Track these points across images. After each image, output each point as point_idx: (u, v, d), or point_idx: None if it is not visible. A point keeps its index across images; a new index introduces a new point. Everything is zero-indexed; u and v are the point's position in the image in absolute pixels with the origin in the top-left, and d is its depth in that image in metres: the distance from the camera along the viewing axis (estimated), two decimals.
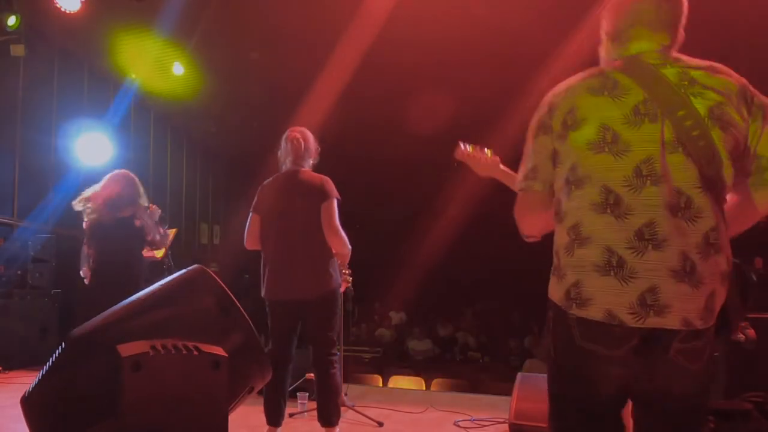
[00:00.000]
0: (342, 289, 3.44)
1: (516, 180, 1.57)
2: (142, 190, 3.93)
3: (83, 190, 3.87)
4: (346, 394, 4.26)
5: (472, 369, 8.84)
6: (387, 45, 5.77)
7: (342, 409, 3.25)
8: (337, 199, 3.11)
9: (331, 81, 6.44)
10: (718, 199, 1.36)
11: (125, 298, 2.24)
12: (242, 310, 2.23)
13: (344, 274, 3.30)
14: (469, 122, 6.87)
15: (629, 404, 1.49)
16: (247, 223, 3.21)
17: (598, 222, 1.37)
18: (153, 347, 1.82)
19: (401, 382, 6.72)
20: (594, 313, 1.35)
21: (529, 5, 5.24)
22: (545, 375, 1.55)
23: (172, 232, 4.21)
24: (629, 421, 1.50)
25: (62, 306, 6.02)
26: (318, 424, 3.16)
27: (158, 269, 4.78)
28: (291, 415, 3.86)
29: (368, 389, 5.25)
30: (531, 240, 1.66)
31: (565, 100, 1.46)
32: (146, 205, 3.95)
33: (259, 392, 3.93)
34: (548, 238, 1.70)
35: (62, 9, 5.10)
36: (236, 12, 5.86)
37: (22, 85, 6.17)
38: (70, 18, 5.28)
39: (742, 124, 1.36)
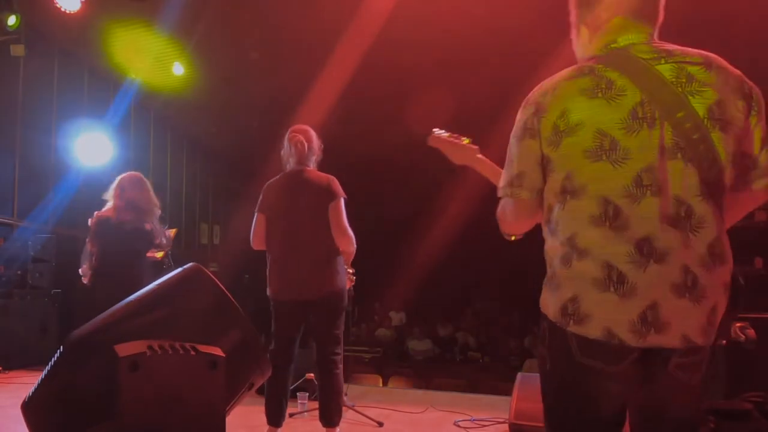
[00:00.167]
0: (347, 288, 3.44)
1: (499, 181, 1.49)
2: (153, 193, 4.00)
3: (84, 191, 3.89)
4: (346, 394, 4.26)
5: (472, 369, 8.86)
6: (387, 45, 5.77)
7: (342, 409, 3.25)
8: (344, 199, 3.12)
9: (331, 81, 6.44)
10: (719, 205, 1.30)
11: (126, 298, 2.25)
12: (239, 307, 2.23)
13: (348, 273, 3.31)
14: (469, 122, 6.86)
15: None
16: (253, 224, 3.18)
17: (595, 235, 1.29)
18: (150, 347, 1.82)
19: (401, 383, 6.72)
20: (592, 330, 1.28)
21: (528, 5, 5.24)
22: None
23: (172, 232, 4.22)
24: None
25: (62, 306, 6.02)
26: (318, 424, 3.16)
27: (158, 269, 4.78)
28: (291, 415, 3.86)
29: (368, 389, 5.26)
30: (512, 239, 1.63)
31: (554, 102, 1.35)
32: (159, 209, 3.99)
33: (259, 392, 3.94)
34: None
35: (62, 9, 5.10)
36: (236, 12, 5.85)
37: (22, 85, 6.17)
38: (70, 18, 5.28)
39: (741, 120, 1.30)
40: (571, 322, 1.31)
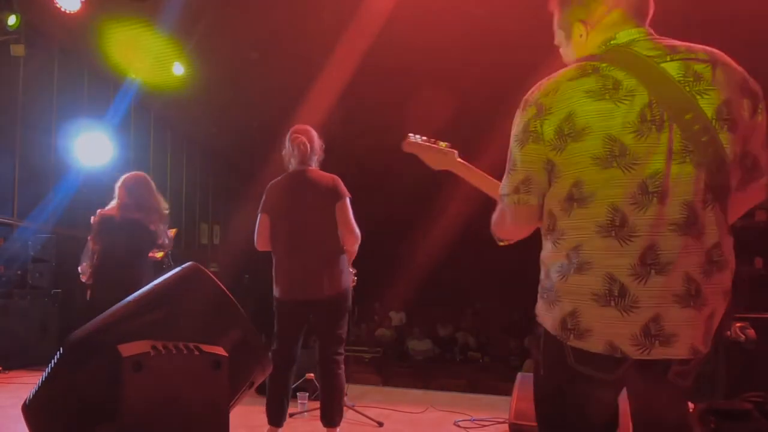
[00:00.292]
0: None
1: (502, 186, 1.42)
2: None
3: (84, 191, 3.89)
4: (346, 394, 4.26)
5: (472, 369, 8.87)
6: (387, 46, 5.78)
7: (343, 409, 3.25)
8: (349, 198, 3.14)
9: (331, 81, 6.44)
10: (723, 209, 1.26)
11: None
12: (238, 305, 2.23)
13: (351, 273, 3.32)
14: (469, 123, 6.87)
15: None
16: (257, 224, 3.16)
17: (601, 246, 1.25)
18: (154, 347, 1.82)
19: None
20: (594, 344, 1.26)
21: (528, 6, 5.24)
22: None
23: (172, 232, 4.22)
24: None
25: (62, 306, 6.02)
26: (319, 424, 3.16)
27: (158, 269, 4.78)
28: (291, 415, 3.86)
29: (368, 389, 5.26)
30: (502, 243, 1.61)
31: (558, 104, 1.28)
32: (166, 209, 4.00)
33: (260, 392, 3.93)
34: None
35: (62, 9, 5.10)
36: (236, 12, 5.86)
37: (22, 85, 6.17)
38: (70, 18, 5.28)
39: (747, 119, 1.26)
40: (572, 336, 1.28)
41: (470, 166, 1.86)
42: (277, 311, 3.14)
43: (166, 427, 1.82)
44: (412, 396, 5.00)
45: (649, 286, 1.22)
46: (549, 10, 1.54)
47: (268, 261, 3.22)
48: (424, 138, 1.95)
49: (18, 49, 5.13)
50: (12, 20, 4.93)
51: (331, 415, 3.10)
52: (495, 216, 1.51)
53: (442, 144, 1.93)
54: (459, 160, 1.89)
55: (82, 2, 5.15)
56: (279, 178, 3.22)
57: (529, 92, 1.37)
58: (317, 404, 3.28)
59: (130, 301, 2.21)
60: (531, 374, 4.13)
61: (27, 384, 4.54)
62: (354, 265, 3.34)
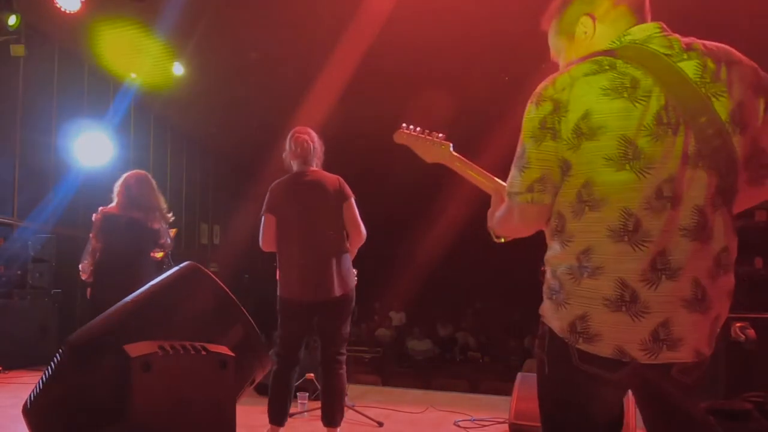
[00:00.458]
0: None
1: (513, 184, 1.38)
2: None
3: (84, 191, 3.89)
4: (346, 394, 4.26)
5: (472, 369, 8.87)
6: (387, 46, 5.78)
7: (344, 409, 3.25)
8: (354, 198, 3.17)
9: (331, 81, 6.44)
10: (731, 210, 1.26)
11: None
12: (239, 303, 2.23)
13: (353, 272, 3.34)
14: (469, 122, 6.87)
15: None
16: (262, 225, 3.14)
17: (612, 251, 1.23)
18: (161, 347, 1.83)
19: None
20: (602, 349, 1.25)
21: (528, 7, 5.24)
22: None
23: (172, 232, 4.22)
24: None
25: (62, 306, 6.02)
26: (319, 424, 3.16)
27: (158, 269, 4.78)
28: (291, 415, 3.86)
29: (368, 389, 5.26)
30: (503, 241, 1.60)
31: (575, 100, 1.25)
32: (166, 208, 4.00)
33: (260, 392, 3.93)
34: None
35: (62, 9, 5.10)
36: (236, 12, 5.85)
37: (22, 85, 6.17)
38: (70, 18, 5.28)
39: (758, 117, 1.25)
40: (581, 340, 1.27)
41: (465, 159, 1.81)
42: (283, 312, 3.13)
43: (174, 427, 1.82)
44: (412, 396, 5.00)
45: (659, 291, 1.22)
46: (543, 28, 1.52)
47: (267, 261, 3.22)
48: (418, 129, 1.88)
49: (18, 49, 5.12)
50: (12, 20, 4.93)
51: (332, 415, 3.10)
52: (499, 213, 1.49)
53: (437, 136, 1.86)
54: (453, 153, 1.83)
55: (82, 2, 5.15)
56: (282, 178, 3.21)
57: (541, 86, 1.32)
58: (317, 404, 3.28)
59: (131, 302, 2.21)
60: (531, 374, 4.15)
61: (27, 384, 4.54)
62: (354, 264, 3.35)
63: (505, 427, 3.69)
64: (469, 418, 4.02)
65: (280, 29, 6.02)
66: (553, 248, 1.36)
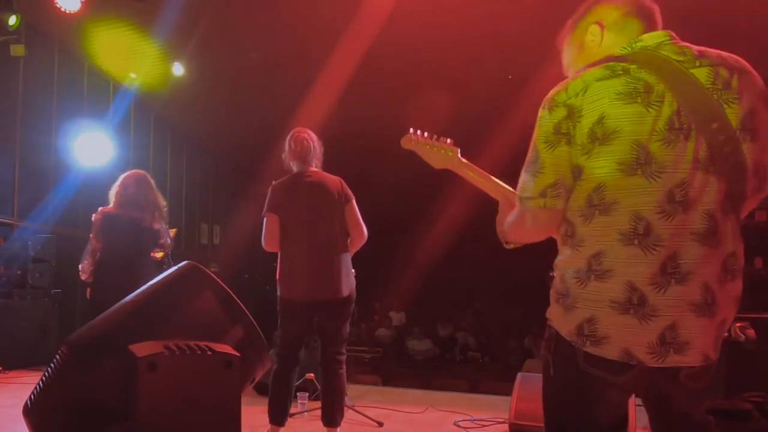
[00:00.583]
0: None
1: (525, 189, 1.37)
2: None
3: (84, 191, 3.89)
4: (346, 394, 4.26)
5: (472, 369, 8.86)
6: (387, 45, 5.78)
7: (344, 409, 3.26)
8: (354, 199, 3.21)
9: (331, 81, 6.44)
10: (738, 217, 1.28)
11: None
12: (239, 301, 2.23)
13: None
14: (469, 123, 6.87)
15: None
16: (265, 225, 3.13)
17: (623, 254, 1.24)
18: (167, 347, 1.83)
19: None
20: (609, 352, 1.26)
21: (528, 7, 5.24)
22: None
23: (172, 232, 4.22)
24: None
25: (62, 306, 6.03)
26: (319, 424, 3.16)
27: (158, 269, 4.78)
28: (291, 415, 3.86)
29: (368, 389, 5.26)
30: (513, 247, 1.59)
31: (589, 105, 1.25)
32: (165, 207, 4.00)
33: (261, 392, 3.94)
34: (551, 239, 1.69)
35: (62, 9, 5.10)
36: (236, 12, 5.86)
37: (22, 85, 6.17)
38: (70, 18, 5.28)
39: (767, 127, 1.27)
40: (588, 342, 1.28)
41: (473, 165, 1.80)
42: (284, 312, 3.13)
43: (180, 427, 1.83)
44: (412, 396, 5.00)
45: (668, 295, 1.23)
46: (557, 46, 1.54)
47: (267, 261, 3.22)
48: (426, 134, 1.86)
49: (18, 49, 5.12)
50: (12, 20, 4.93)
51: (332, 415, 3.10)
52: (510, 219, 1.49)
53: (445, 141, 1.84)
54: (462, 159, 1.82)
55: (82, 2, 5.15)
56: (284, 178, 3.21)
57: (553, 92, 1.33)
58: (317, 404, 3.28)
59: (128, 302, 2.21)
60: (531, 374, 4.15)
61: (27, 384, 4.54)
62: (354, 264, 3.36)
63: (505, 427, 3.68)
64: (469, 418, 4.02)
65: (280, 29, 6.02)
66: (564, 253, 1.36)
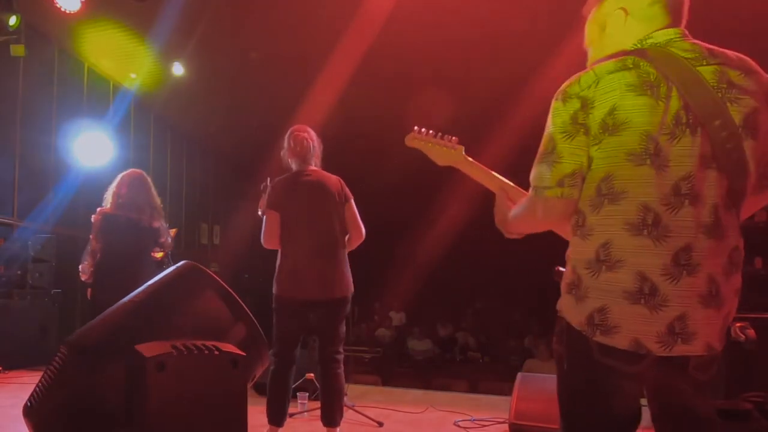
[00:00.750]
0: None
1: (541, 179, 1.38)
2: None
3: (84, 191, 3.89)
4: (346, 394, 4.26)
5: (472, 369, 8.85)
6: (387, 45, 5.78)
7: (343, 409, 3.26)
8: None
9: (331, 80, 6.44)
10: (739, 213, 1.32)
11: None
12: (240, 300, 2.24)
13: None
14: (470, 122, 6.87)
15: None
16: (265, 222, 3.13)
17: (632, 244, 1.27)
18: (174, 347, 1.84)
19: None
20: (620, 341, 1.28)
21: (527, 7, 5.24)
22: (545, 375, 1.53)
23: (172, 232, 4.22)
24: None
25: (62, 306, 6.03)
26: (319, 424, 3.16)
27: (158, 269, 4.78)
28: (291, 415, 3.86)
29: (368, 389, 5.26)
30: (514, 237, 1.61)
31: (602, 97, 1.28)
32: (161, 207, 4.01)
33: (260, 392, 3.94)
34: (550, 238, 1.69)
35: (62, 9, 5.09)
36: (236, 12, 5.85)
37: (22, 85, 6.17)
38: (70, 18, 5.28)
39: None
40: (598, 332, 1.30)
41: (478, 163, 1.81)
42: (281, 310, 3.12)
43: (188, 426, 1.83)
44: (412, 396, 5.00)
45: (680, 286, 1.25)
46: (583, 13, 1.54)
47: (268, 261, 3.21)
48: (431, 132, 1.88)
49: (18, 49, 5.12)
50: (12, 20, 4.93)
51: (331, 414, 3.10)
52: (517, 210, 1.51)
53: (450, 139, 1.85)
54: (466, 156, 1.83)
55: (82, 2, 5.14)
56: (284, 176, 3.21)
57: (566, 84, 1.35)
58: (317, 404, 3.28)
59: (128, 302, 2.21)
60: (531, 374, 4.15)
61: (27, 384, 4.54)
62: (354, 264, 3.37)
63: (505, 427, 3.68)
64: (469, 418, 4.02)
65: (280, 29, 6.02)
66: (574, 242, 1.39)
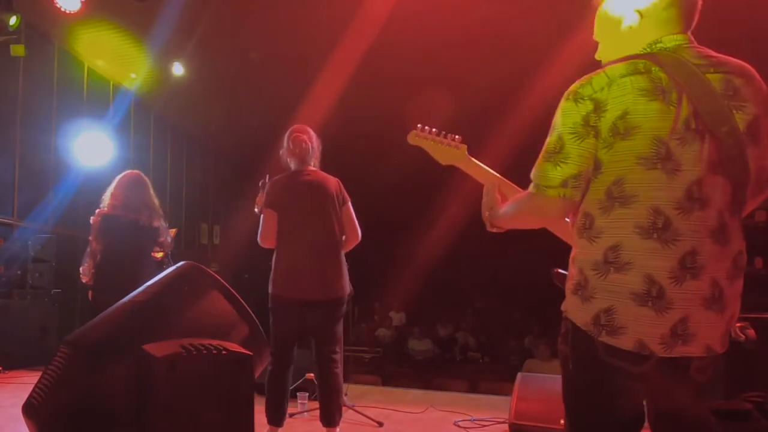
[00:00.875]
0: None
1: (545, 178, 1.37)
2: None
3: (84, 191, 3.90)
4: (346, 394, 4.26)
5: (472, 369, 8.85)
6: (387, 45, 5.78)
7: (342, 408, 3.26)
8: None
9: (331, 80, 6.44)
10: (741, 217, 1.34)
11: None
12: (240, 299, 2.24)
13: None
14: (470, 122, 6.87)
15: None
16: (263, 220, 3.14)
17: (641, 247, 1.28)
18: (183, 347, 1.85)
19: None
20: (625, 342, 1.30)
21: (527, 7, 5.24)
22: (545, 375, 1.54)
23: (172, 232, 4.22)
24: None
25: (62, 306, 6.02)
26: (319, 424, 3.16)
27: (158, 269, 4.78)
28: (291, 415, 3.86)
29: (368, 389, 5.26)
30: (495, 231, 1.63)
31: (614, 100, 1.29)
32: (159, 207, 4.01)
33: (259, 392, 3.93)
34: (550, 238, 1.69)
35: (62, 9, 5.09)
36: (236, 12, 5.86)
37: (22, 85, 6.17)
38: (70, 18, 5.28)
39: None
40: (604, 332, 1.31)
41: (480, 163, 1.81)
42: (278, 309, 3.12)
43: (198, 426, 1.84)
44: (412, 396, 4.99)
45: (683, 288, 1.27)
46: (593, 3, 1.53)
47: (268, 261, 3.21)
48: (434, 130, 1.86)
49: (18, 49, 5.12)
50: (12, 20, 4.93)
51: (330, 414, 3.10)
52: (512, 207, 1.52)
53: (453, 138, 1.84)
54: (469, 156, 1.82)
55: (82, 2, 5.14)
56: (282, 175, 3.22)
57: (578, 85, 1.35)
58: (317, 404, 3.28)
59: (131, 302, 2.21)
60: (531, 374, 4.15)
61: (27, 384, 4.53)
62: (354, 264, 3.38)
63: (505, 427, 3.68)
64: (469, 418, 4.02)
65: (280, 29, 6.02)
66: (580, 245, 1.39)
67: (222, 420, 1.89)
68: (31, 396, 2.03)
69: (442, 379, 7.13)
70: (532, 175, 1.42)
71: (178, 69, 6.84)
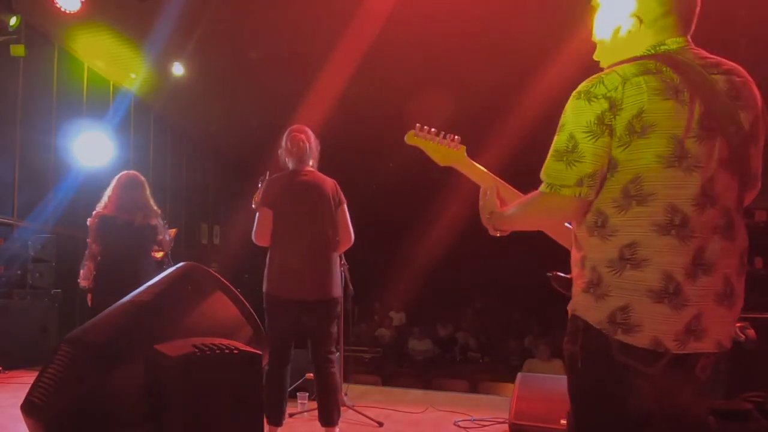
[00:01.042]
0: None
1: (557, 177, 1.36)
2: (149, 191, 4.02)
3: (84, 191, 3.90)
4: (346, 394, 4.26)
5: (472, 369, 8.85)
6: (387, 45, 5.78)
7: (342, 409, 3.26)
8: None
9: (331, 80, 6.44)
10: (743, 215, 1.37)
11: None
12: (242, 298, 2.25)
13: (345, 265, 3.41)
14: (469, 122, 6.87)
15: None
16: (258, 218, 3.14)
17: (659, 244, 1.29)
18: (196, 347, 1.85)
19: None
20: (641, 340, 1.29)
21: (527, 8, 5.24)
22: (545, 375, 1.53)
23: (172, 232, 4.22)
24: None
25: (62, 306, 6.02)
26: (318, 424, 3.16)
27: (158, 269, 4.78)
28: (291, 415, 3.86)
29: (368, 389, 5.26)
30: (500, 235, 1.62)
31: (629, 99, 1.29)
32: (157, 208, 4.00)
33: None
34: (550, 238, 1.69)
35: (62, 9, 5.10)
36: (236, 12, 5.86)
37: (22, 85, 6.17)
38: (70, 18, 5.28)
39: (764, 137, 1.38)
40: (620, 331, 1.31)
41: (479, 165, 1.79)
42: (273, 309, 3.13)
43: (210, 424, 1.85)
44: (412, 396, 4.99)
45: (697, 285, 1.29)
46: (593, 3, 1.53)
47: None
48: (433, 130, 1.84)
49: (18, 49, 5.12)
50: (12, 20, 4.93)
51: (329, 414, 3.10)
52: (521, 209, 1.51)
53: (452, 138, 1.81)
54: (468, 158, 1.80)
55: (82, 2, 5.14)
56: (279, 174, 3.23)
57: (589, 84, 1.34)
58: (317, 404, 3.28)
59: (131, 302, 2.21)
60: (531, 374, 4.15)
61: (27, 384, 4.53)
62: (354, 264, 3.39)
63: (505, 427, 3.68)
64: (469, 418, 4.01)
65: (280, 29, 6.02)
66: (592, 243, 1.38)
67: (233, 418, 1.90)
68: (31, 395, 2.03)
69: (442, 379, 7.13)
70: (543, 175, 1.41)
71: (178, 69, 6.84)
